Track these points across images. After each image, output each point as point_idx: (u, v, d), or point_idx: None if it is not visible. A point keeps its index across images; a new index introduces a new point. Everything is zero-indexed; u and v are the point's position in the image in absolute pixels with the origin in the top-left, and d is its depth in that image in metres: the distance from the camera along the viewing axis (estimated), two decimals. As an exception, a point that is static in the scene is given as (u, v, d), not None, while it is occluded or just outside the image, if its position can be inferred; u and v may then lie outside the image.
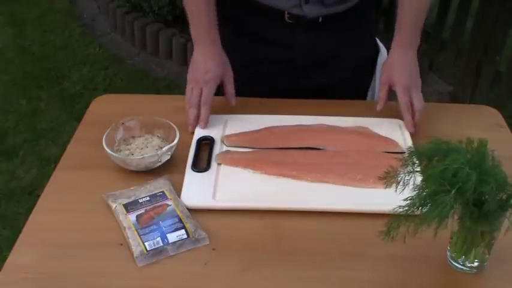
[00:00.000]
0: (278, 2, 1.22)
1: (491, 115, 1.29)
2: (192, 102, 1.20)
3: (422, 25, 1.24)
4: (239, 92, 1.26)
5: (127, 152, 1.11)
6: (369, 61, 1.37)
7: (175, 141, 1.10)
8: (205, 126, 1.19)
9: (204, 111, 1.19)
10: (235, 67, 1.25)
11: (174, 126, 1.13)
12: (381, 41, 1.40)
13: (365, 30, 1.35)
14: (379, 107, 1.23)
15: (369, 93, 1.40)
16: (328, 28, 1.25)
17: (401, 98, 1.19)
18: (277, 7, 1.23)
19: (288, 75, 1.31)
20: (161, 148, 1.10)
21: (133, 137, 1.15)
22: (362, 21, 1.32)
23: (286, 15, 1.23)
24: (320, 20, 1.24)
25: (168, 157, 1.10)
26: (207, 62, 1.20)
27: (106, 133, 1.10)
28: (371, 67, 1.37)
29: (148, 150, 1.10)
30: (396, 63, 1.23)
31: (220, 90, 1.27)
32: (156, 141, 1.13)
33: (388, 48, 1.28)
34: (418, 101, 1.19)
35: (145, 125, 1.16)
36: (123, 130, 1.14)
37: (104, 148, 1.07)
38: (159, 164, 1.09)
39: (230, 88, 1.23)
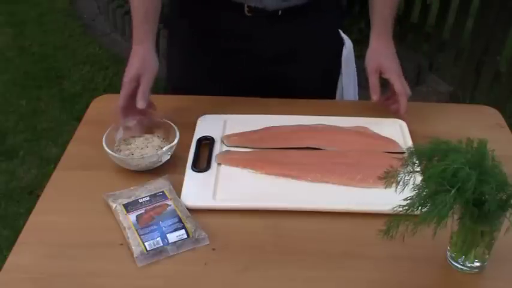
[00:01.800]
0: None
1: (491, 115, 1.29)
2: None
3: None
4: (202, 86, 1.28)
5: (127, 152, 1.11)
6: (334, 53, 1.36)
7: (175, 141, 1.10)
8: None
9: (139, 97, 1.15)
10: (197, 61, 1.25)
11: (174, 126, 1.13)
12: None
13: (327, 23, 1.35)
14: (376, 97, 1.22)
15: (338, 87, 1.40)
16: (288, 21, 1.26)
17: (398, 84, 1.21)
18: (236, 0, 1.23)
19: (252, 68, 1.31)
20: (161, 148, 1.10)
21: (133, 137, 1.14)
22: (323, 14, 1.32)
23: (246, 9, 1.24)
24: (280, 13, 1.25)
25: (168, 157, 1.10)
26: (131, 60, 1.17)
27: (106, 133, 1.10)
28: (337, 59, 1.37)
29: (148, 150, 1.10)
30: (384, 51, 1.25)
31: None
32: (156, 141, 1.13)
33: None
34: (407, 88, 1.22)
35: (145, 125, 1.16)
36: (123, 130, 1.14)
37: (104, 148, 1.07)
38: (159, 164, 1.09)
39: (142, 86, 1.14)
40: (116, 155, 1.08)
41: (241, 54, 1.29)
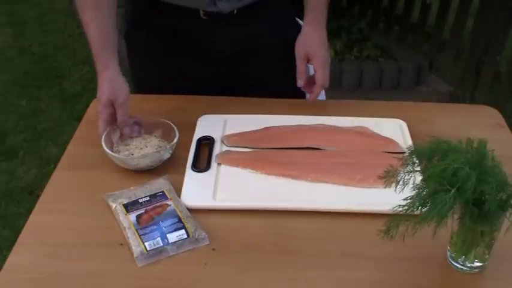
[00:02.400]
0: (192, 2, 1.23)
1: (491, 115, 1.29)
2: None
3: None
4: (166, 90, 1.29)
5: (126, 152, 1.11)
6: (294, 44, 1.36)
7: (175, 140, 1.10)
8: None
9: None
10: (159, 69, 1.26)
11: (173, 126, 1.13)
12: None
13: (284, 16, 1.35)
14: (301, 82, 1.25)
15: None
16: (244, 19, 1.26)
17: (320, 73, 1.23)
18: (191, 6, 1.24)
19: (213, 69, 1.31)
20: (160, 147, 1.10)
21: (131, 138, 1.14)
22: (279, 9, 1.32)
23: (201, 13, 1.25)
24: (235, 12, 1.25)
25: (169, 155, 1.10)
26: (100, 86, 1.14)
27: (104, 134, 1.10)
28: None
29: (147, 150, 1.10)
30: (315, 38, 1.25)
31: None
32: (154, 141, 1.13)
33: None
34: (327, 80, 1.24)
35: (143, 125, 1.16)
36: (119, 131, 1.14)
37: (103, 149, 1.07)
38: (159, 163, 1.09)
39: (119, 115, 1.12)
40: (116, 155, 1.08)
41: (201, 56, 1.29)
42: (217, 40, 1.28)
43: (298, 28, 1.32)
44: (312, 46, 1.24)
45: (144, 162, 1.07)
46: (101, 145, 1.08)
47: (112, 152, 1.08)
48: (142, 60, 1.38)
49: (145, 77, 1.39)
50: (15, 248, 0.93)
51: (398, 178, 0.84)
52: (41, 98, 3.04)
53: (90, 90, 3.06)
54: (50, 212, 1.01)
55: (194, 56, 1.30)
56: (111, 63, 1.14)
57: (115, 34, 1.15)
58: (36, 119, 2.86)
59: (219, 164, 1.10)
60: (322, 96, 1.39)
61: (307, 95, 1.29)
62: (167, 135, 1.13)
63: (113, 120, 1.12)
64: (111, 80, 1.12)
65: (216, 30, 1.27)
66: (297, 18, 1.37)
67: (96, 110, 1.12)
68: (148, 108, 1.28)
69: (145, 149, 1.11)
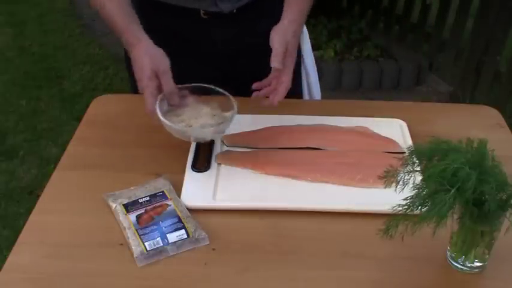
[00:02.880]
0: (193, 3, 1.23)
1: (491, 115, 1.29)
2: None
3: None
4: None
5: (182, 123, 1.05)
6: None
7: (235, 107, 1.06)
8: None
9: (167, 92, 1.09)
10: None
11: (225, 93, 1.09)
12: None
13: (280, 14, 1.34)
14: (277, 64, 1.13)
15: (303, 77, 1.39)
16: (244, 18, 1.26)
17: (288, 72, 1.15)
18: (192, 7, 1.24)
19: (214, 67, 1.30)
20: (214, 116, 1.06)
21: (180, 108, 1.08)
22: (277, 7, 1.32)
23: (202, 12, 1.25)
24: (235, 11, 1.26)
25: (228, 127, 1.07)
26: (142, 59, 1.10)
27: (157, 105, 1.05)
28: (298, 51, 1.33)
29: (203, 119, 1.06)
30: (293, 34, 1.17)
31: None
32: (205, 109, 1.09)
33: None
34: (290, 81, 1.17)
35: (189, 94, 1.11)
36: (167, 102, 1.08)
37: (162, 121, 1.03)
38: (222, 134, 1.06)
39: (166, 86, 1.08)
40: (180, 127, 1.03)
41: (201, 56, 1.29)
42: (217, 39, 1.29)
43: None
44: (290, 42, 1.17)
45: (208, 133, 1.05)
46: (101, 145, 1.08)
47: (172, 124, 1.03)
48: None
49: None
50: (15, 248, 0.93)
51: (398, 178, 0.84)
52: (41, 98, 3.04)
53: (90, 90, 3.06)
54: (50, 212, 1.01)
55: (194, 55, 1.30)
56: (142, 36, 1.12)
57: (134, 12, 1.15)
58: (36, 119, 2.86)
59: (219, 164, 1.10)
60: (317, 95, 1.39)
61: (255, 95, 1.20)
62: (222, 104, 1.09)
63: (158, 92, 1.07)
64: (148, 51, 1.09)
65: (216, 29, 1.28)
66: None
67: (141, 86, 1.06)
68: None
69: (200, 119, 1.06)
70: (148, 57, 1.08)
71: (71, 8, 4.04)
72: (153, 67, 1.07)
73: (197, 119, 1.07)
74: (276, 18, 1.30)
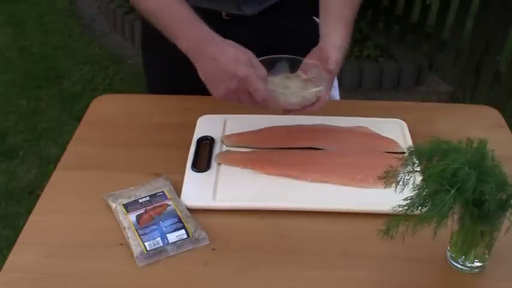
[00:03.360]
0: (215, 5, 1.23)
1: (491, 115, 1.29)
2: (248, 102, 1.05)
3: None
4: (183, 92, 1.26)
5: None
6: (313, 44, 1.33)
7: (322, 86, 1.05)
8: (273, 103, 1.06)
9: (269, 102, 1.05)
10: (178, 69, 1.23)
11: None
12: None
13: (303, 16, 1.34)
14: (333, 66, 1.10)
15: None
16: (265, 19, 1.25)
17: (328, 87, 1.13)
18: (214, 9, 1.23)
19: None
20: (302, 89, 1.06)
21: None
22: (298, 9, 1.32)
23: (224, 14, 1.25)
24: (257, 13, 1.25)
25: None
26: (227, 52, 1.05)
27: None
28: None
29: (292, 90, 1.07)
30: (342, 54, 1.15)
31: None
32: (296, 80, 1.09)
33: None
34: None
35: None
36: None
37: (278, 94, 1.05)
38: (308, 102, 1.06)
39: (261, 71, 1.04)
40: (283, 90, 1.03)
41: None
42: (238, 40, 1.26)
43: (317, 27, 1.31)
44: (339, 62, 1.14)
45: (296, 100, 1.05)
46: (101, 145, 1.08)
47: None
48: (161, 63, 1.36)
49: (161, 80, 1.37)
50: (15, 248, 0.93)
51: (398, 178, 0.84)
52: (41, 98, 3.04)
53: (90, 90, 3.06)
54: (50, 212, 1.01)
55: None
56: (214, 33, 1.07)
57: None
58: (36, 119, 2.86)
59: (219, 164, 1.10)
60: (336, 96, 1.38)
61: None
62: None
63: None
64: (230, 43, 1.05)
65: (237, 30, 1.24)
66: (314, 17, 1.36)
67: (242, 74, 1.01)
68: (147, 108, 1.29)
69: (288, 89, 1.07)
70: (235, 48, 1.04)
71: (71, 8, 4.04)
72: (247, 56, 1.04)
73: (287, 88, 1.07)
74: (296, 19, 1.29)
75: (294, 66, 1.12)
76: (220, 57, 1.03)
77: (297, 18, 1.32)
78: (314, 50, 1.13)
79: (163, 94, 1.32)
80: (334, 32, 1.14)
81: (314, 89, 1.07)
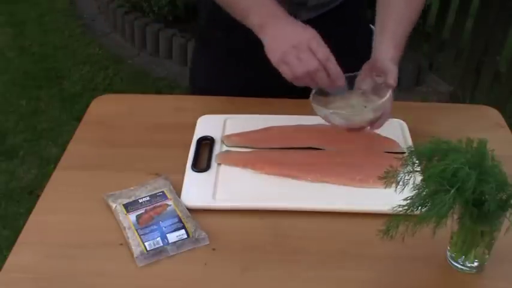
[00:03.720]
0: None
1: (491, 115, 1.29)
2: (311, 65, 0.99)
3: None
4: (230, 89, 1.26)
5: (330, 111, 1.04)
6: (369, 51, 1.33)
7: (386, 96, 1.02)
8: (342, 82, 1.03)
9: (333, 66, 1.01)
10: (227, 69, 1.24)
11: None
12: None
13: (358, 23, 1.33)
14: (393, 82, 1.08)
15: None
16: (320, 25, 1.19)
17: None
18: None
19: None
20: (364, 106, 1.03)
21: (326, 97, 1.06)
22: (353, 15, 1.31)
23: None
24: (312, 17, 1.22)
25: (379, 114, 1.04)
26: (292, 28, 1.02)
27: (312, 99, 1.05)
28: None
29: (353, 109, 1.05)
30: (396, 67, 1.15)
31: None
32: (354, 98, 1.06)
33: None
34: None
35: None
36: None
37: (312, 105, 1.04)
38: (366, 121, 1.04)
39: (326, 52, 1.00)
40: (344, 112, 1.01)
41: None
42: None
43: (371, 35, 1.30)
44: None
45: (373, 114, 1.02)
46: (101, 145, 1.08)
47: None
48: (213, 58, 1.35)
49: (207, 77, 1.37)
50: (15, 248, 0.93)
51: (398, 178, 0.84)
52: (41, 98, 3.04)
53: (90, 90, 3.06)
54: (50, 212, 1.01)
55: (263, 59, 1.20)
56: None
57: None
58: (36, 119, 2.86)
59: (219, 164, 1.10)
60: None
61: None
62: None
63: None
64: (300, 23, 1.03)
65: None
66: (370, 25, 1.36)
67: (324, 55, 0.99)
68: (147, 108, 1.29)
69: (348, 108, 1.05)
70: (304, 26, 1.02)
71: (71, 8, 4.04)
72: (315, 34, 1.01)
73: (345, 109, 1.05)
74: (350, 26, 1.27)
75: (351, 83, 1.10)
76: (294, 24, 1.02)
77: (353, 25, 1.30)
78: (369, 63, 1.11)
79: (205, 90, 1.32)
80: (388, 44, 1.13)
81: (380, 101, 1.04)
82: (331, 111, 1.04)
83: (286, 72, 1.01)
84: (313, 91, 1.08)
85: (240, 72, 1.30)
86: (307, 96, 1.28)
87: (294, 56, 0.99)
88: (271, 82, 1.17)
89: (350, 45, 1.24)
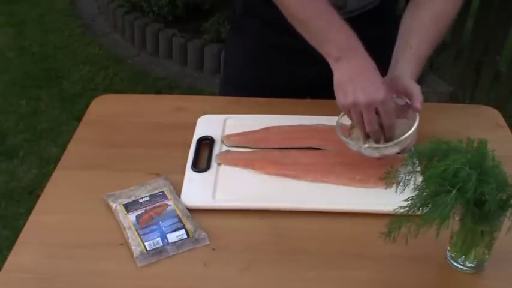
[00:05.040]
0: None
1: (491, 115, 1.29)
2: (374, 127, 1.03)
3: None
4: (263, 85, 1.28)
5: (352, 143, 1.06)
6: None
7: (416, 122, 1.04)
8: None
9: (391, 132, 1.05)
10: (261, 60, 1.25)
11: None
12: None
13: (390, 25, 1.30)
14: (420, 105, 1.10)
15: None
16: (354, 25, 1.15)
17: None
18: None
19: (323, 70, 1.18)
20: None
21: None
22: (391, 18, 1.30)
23: None
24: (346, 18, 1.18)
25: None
26: (368, 76, 1.04)
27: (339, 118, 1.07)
28: None
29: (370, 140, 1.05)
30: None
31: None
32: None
33: None
34: None
35: None
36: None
37: (339, 136, 1.06)
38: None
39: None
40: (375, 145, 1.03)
41: (309, 55, 1.17)
42: None
43: None
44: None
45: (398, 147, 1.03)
46: (101, 145, 1.08)
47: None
48: (245, 50, 1.36)
49: (241, 66, 1.38)
50: (15, 248, 0.93)
51: (399, 179, 0.84)
52: (41, 98, 3.04)
53: (90, 90, 3.06)
54: (50, 212, 1.01)
55: (298, 52, 1.22)
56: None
57: None
58: (36, 119, 2.86)
59: (219, 164, 1.10)
60: None
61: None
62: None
63: None
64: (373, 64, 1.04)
65: None
66: None
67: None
68: (149, 108, 1.28)
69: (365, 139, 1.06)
70: (380, 85, 1.03)
71: (71, 8, 4.04)
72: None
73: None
74: (387, 29, 1.26)
75: None
76: (370, 67, 1.04)
77: (388, 29, 1.29)
78: (388, 79, 1.11)
79: (237, 81, 1.35)
80: (411, 60, 1.15)
81: (411, 130, 1.05)
82: (366, 145, 1.04)
83: (348, 116, 1.06)
84: (339, 118, 1.09)
85: (273, 63, 1.31)
86: (307, 97, 1.29)
87: (361, 113, 1.02)
88: (304, 73, 1.18)
89: (385, 45, 1.22)
